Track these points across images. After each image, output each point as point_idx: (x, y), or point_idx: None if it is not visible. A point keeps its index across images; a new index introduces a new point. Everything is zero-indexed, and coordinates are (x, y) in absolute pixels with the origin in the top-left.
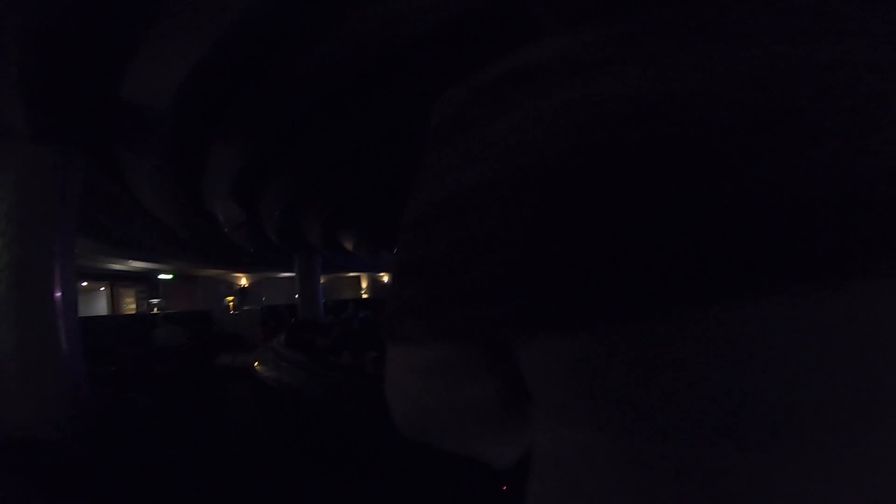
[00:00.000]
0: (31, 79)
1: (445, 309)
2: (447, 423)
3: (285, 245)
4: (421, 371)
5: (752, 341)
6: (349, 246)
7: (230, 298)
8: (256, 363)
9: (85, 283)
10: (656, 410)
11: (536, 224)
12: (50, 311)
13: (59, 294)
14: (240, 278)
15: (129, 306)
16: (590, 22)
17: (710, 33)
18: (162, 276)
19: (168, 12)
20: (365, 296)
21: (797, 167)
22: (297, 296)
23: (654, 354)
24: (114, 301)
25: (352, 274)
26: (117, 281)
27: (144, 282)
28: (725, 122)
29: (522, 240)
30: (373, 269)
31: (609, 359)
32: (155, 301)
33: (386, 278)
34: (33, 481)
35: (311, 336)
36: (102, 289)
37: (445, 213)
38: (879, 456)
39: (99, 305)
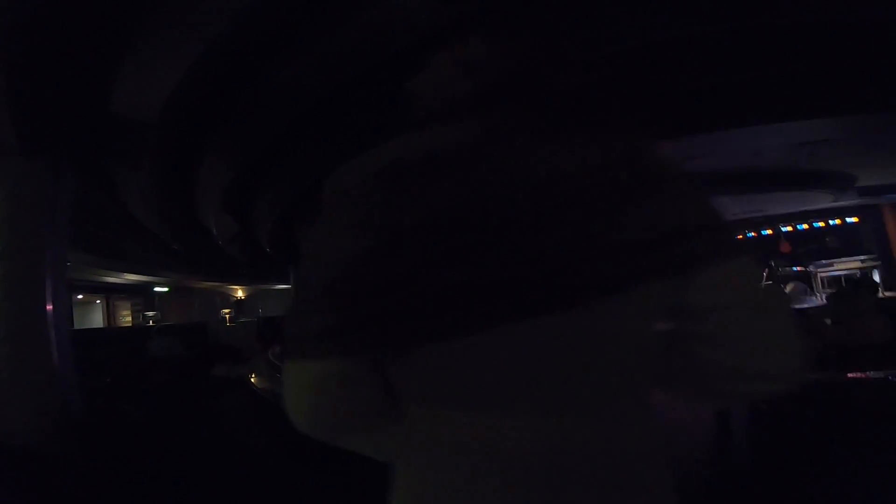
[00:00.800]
0: (19, 91)
1: (341, 336)
2: (338, 421)
3: (280, 256)
4: (317, 380)
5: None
6: None
7: (226, 311)
8: (252, 375)
9: (80, 296)
10: (470, 394)
11: (405, 284)
12: (41, 323)
13: (50, 307)
14: (236, 290)
15: (125, 319)
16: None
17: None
18: (157, 289)
19: (155, 23)
20: None
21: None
22: None
23: (455, 360)
24: (109, 314)
25: None
26: (113, 294)
27: (140, 294)
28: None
29: (397, 293)
30: None
31: (433, 365)
32: (150, 314)
33: None
34: (21, 491)
35: None
36: (98, 301)
37: (353, 264)
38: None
39: (94, 318)
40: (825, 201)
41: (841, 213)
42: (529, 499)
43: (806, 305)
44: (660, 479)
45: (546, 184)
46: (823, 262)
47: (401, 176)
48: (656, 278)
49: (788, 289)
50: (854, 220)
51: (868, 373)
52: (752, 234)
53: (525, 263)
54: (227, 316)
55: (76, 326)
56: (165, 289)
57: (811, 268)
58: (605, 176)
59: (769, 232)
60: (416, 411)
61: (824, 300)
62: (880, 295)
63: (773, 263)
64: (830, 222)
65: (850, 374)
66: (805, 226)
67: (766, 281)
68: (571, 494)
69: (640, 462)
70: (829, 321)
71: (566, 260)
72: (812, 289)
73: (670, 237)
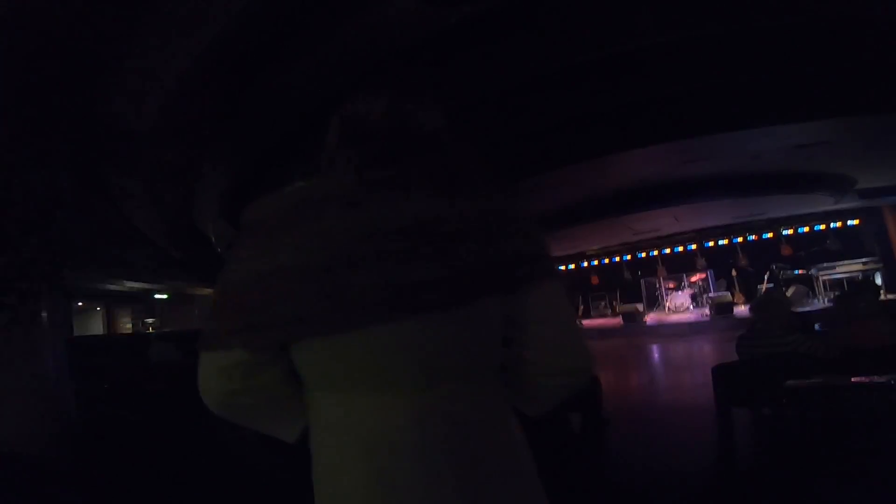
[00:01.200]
0: (10, 101)
1: (251, 331)
2: (247, 405)
3: None
4: (227, 367)
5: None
6: None
7: None
8: None
9: (80, 304)
10: (343, 378)
11: (303, 291)
12: (35, 329)
13: (45, 313)
14: None
15: (126, 326)
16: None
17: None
18: (157, 296)
19: (150, 28)
20: None
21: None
22: None
23: (338, 351)
24: (109, 321)
25: None
26: (113, 301)
27: (141, 301)
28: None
29: (297, 298)
30: None
31: (320, 352)
32: (150, 321)
33: None
34: (16, 499)
35: None
36: (98, 309)
37: (257, 279)
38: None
39: (94, 325)
40: (826, 204)
41: (842, 215)
42: (392, 465)
43: (808, 309)
44: (507, 454)
45: (407, 226)
46: (825, 265)
47: (293, 215)
48: (491, 295)
49: (790, 292)
50: (855, 222)
51: (872, 377)
52: (753, 237)
53: (383, 282)
54: None
55: (76, 333)
56: (165, 296)
57: (813, 271)
58: (455, 221)
59: (770, 235)
60: (312, 394)
61: (827, 303)
62: (882, 297)
63: (774, 267)
64: (831, 225)
65: (854, 379)
66: (806, 229)
67: (767, 284)
68: (423, 462)
69: (485, 437)
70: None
71: (419, 278)
72: (814, 292)
73: (501, 267)
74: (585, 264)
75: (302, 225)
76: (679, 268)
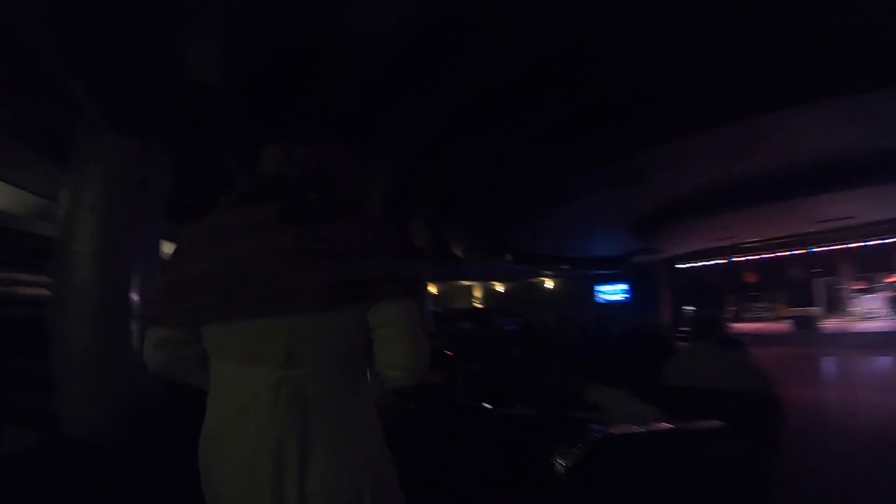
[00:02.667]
0: (103, 65)
1: (179, 314)
2: (175, 369)
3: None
4: (161, 341)
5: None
6: (459, 252)
7: None
8: None
9: None
10: (230, 352)
11: (210, 290)
12: (125, 309)
13: (136, 295)
14: None
15: None
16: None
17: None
18: None
19: None
20: (479, 306)
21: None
22: None
23: (230, 333)
24: None
25: (465, 283)
26: None
27: None
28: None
29: (206, 295)
30: (487, 277)
31: (218, 333)
32: None
33: (501, 288)
34: (94, 486)
35: None
36: None
37: (182, 280)
38: None
39: None
40: None
41: None
42: (249, 420)
43: None
44: (348, 424)
45: (283, 250)
46: None
47: (210, 235)
48: (342, 306)
49: None
50: None
51: None
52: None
53: (261, 289)
54: None
55: None
56: None
57: None
58: (320, 247)
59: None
60: (213, 363)
61: None
62: None
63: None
64: None
65: None
66: None
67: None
68: (272, 421)
69: (329, 409)
70: None
71: (285, 289)
72: None
73: (353, 284)
74: (739, 258)
75: (214, 243)
76: (871, 266)
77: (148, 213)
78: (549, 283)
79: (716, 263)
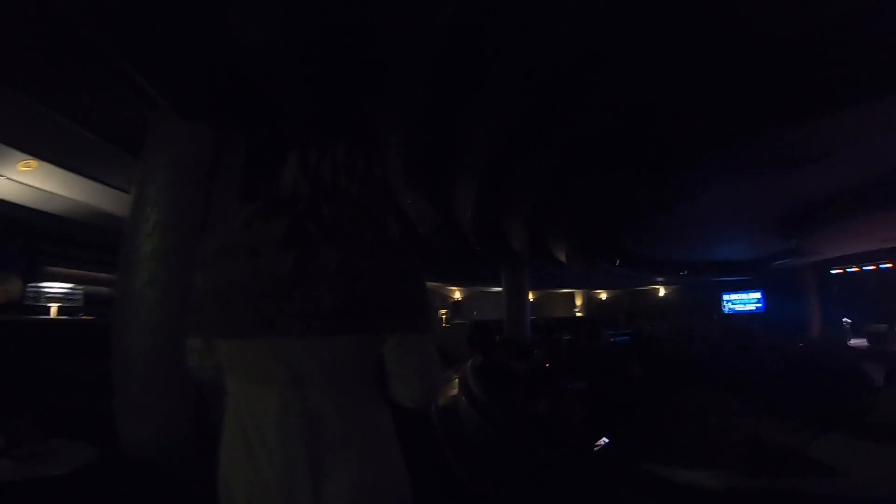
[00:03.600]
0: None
1: (197, 327)
2: (205, 377)
3: (488, 253)
4: (190, 349)
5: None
6: (561, 256)
7: (443, 311)
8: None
9: None
10: (240, 370)
11: (222, 308)
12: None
13: None
14: (454, 291)
15: None
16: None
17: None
18: None
19: None
20: (579, 314)
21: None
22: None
23: (245, 350)
24: None
25: (565, 290)
26: None
27: None
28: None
29: (219, 312)
30: (588, 285)
31: (229, 349)
32: None
33: (604, 295)
34: None
35: (508, 360)
36: None
37: (202, 296)
38: None
39: None
40: None
41: None
42: (258, 439)
43: None
44: (359, 445)
45: (289, 276)
46: None
47: (221, 251)
48: (354, 333)
49: None
50: None
51: None
52: None
53: (267, 311)
54: (444, 317)
55: None
56: None
57: None
58: (326, 275)
59: None
60: (227, 378)
61: None
62: None
63: None
64: None
65: None
66: None
67: None
68: (281, 440)
69: (339, 429)
70: None
71: (292, 312)
72: None
73: (363, 311)
74: None
75: (223, 261)
76: None
77: (219, 206)
78: (662, 292)
79: (881, 267)
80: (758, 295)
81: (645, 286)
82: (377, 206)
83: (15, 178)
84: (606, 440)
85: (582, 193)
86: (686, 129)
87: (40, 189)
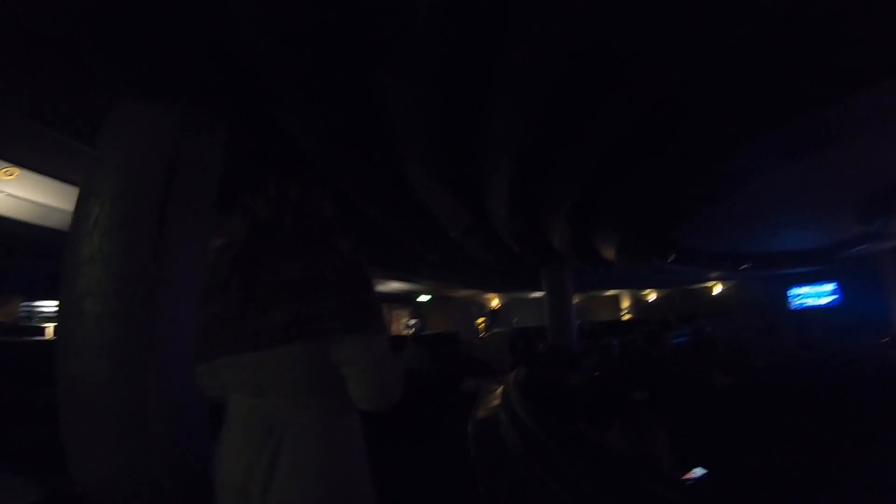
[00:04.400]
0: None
1: (199, 354)
2: (213, 395)
3: (527, 254)
4: (198, 371)
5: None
6: (608, 254)
7: (481, 320)
8: (479, 411)
9: None
10: (222, 383)
11: (202, 334)
12: (148, 339)
13: (169, 314)
14: (491, 299)
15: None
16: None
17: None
18: (420, 298)
19: None
20: (625, 317)
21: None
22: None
23: (215, 369)
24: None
25: (610, 292)
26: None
27: (409, 304)
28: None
29: (200, 337)
30: (635, 285)
31: (213, 368)
32: (412, 322)
33: (651, 296)
34: None
35: (558, 371)
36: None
37: (203, 326)
38: None
39: None
40: None
41: None
42: (232, 442)
43: None
44: (312, 448)
45: (246, 300)
46: None
47: (205, 289)
48: (304, 341)
49: None
50: None
51: None
52: None
53: (230, 332)
54: (482, 325)
55: None
56: (428, 297)
57: None
58: (279, 289)
59: None
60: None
61: None
62: None
63: None
64: None
65: None
66: None
67: None
68: (245, 442)
69: (293, 433)
70: None
71: (248, 329)
72: None
73: (312, 322)
74: None
75: (207, 302)
76: None
77: (189, 205)
78: (718, 288)
79: None
80: (831, 287)
81: (697, 283)
82: (315, 228)
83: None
84: (701, 471)
85: (631, 183)
86: (741, 105)
87: (34, 202)
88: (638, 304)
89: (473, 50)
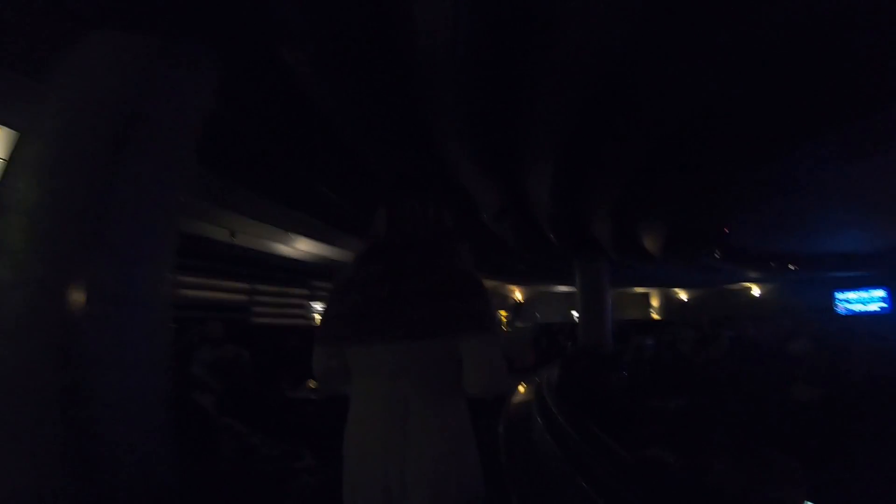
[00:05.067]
0: None
1: (332, 339)
2: (329, 377)
3: (564, 242)
4: (320, 354)
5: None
6: (652, 247)
7: (503, 314)
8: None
9: None
10: (358, 367)
11: (346, 322)
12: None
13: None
14: (514, 291)
15: None
16: None
17: None
18: None
19: None
20: (655, 317)
21: None
22: (575, 313)
23: (362, 354)
24: None
25: (639, 290)
26: None
27: None
28: None
29: (344, 326)
30: (665, 282)
31: (352, 354)
32: None
33: (684, 296)
34: None
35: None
36: None
37: (328, 315)
38: None
39: None
40: None
41: None
42: (368, 419)
43: None
44: (439, 428)
45: (394, 294)
46: None
47: (343, 285)
48: (438, 337)
49: None
50: None
51: None
52: None
53: (378, 323)
54: (504, 319)
55: None
56: None
57: None
58: (424, 292)
59: None
60: (353, 376)
61: None
62: None
63: None
64: None
65: None
66: None
67: None
68: (382, 422)
69: (424, 414)
70: None
71: (395, 323)
72: None
73: (447, 320)
74: None
75: (345, 292)
76: None
77: (153, 155)
78: (756, 291)
79: None
80: (882, 293)
81: (734, 284)
82: (448, 244)
83: None
84: None
85: (684, 174)
86: (800, 104)
87: None
88: (669, 303)
89: (519, 44)
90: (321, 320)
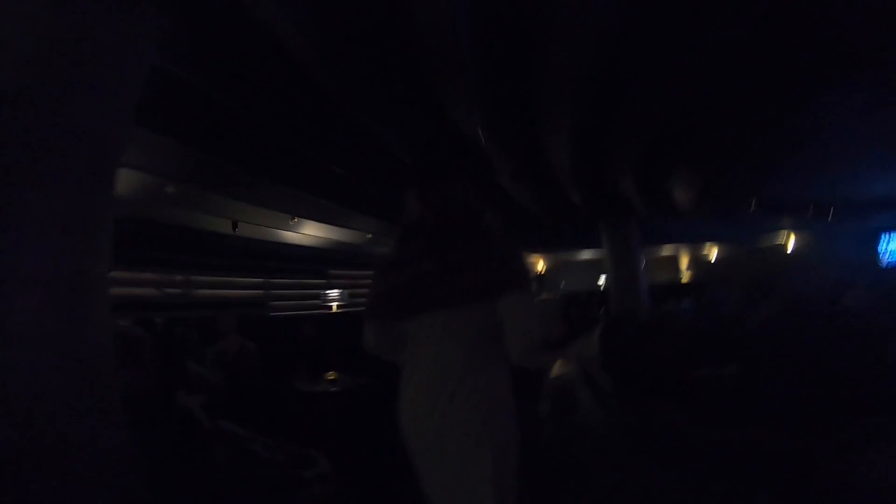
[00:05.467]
0: None
1: (377, 309)
2: (381, 347)
3: (588, 201)
4: (371, 328)
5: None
6: (683, 197)
7: None
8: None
9: None
10: (414, 335)
11: (398, 295)
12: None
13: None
14: (536, 260)
15: None
16: None
17: None
18: None
19: None
20: (684, 280)
21: None
22: (601, 280)
23: (415, 324)
24: None
25: (665, 252)
26: None
27: None
28: None
29: (396, 299)
30: (694, 240)
31: (407, 324)
32: None
33: (713, 253)
34: None
35: (643, 342)
36: None
37: (378, 290)
38: None
39: None
40: None
41: None
42: (423, 380)
43: None
44: (483, 383)
45: (438, 267)
46: None
47: (387, 265)
48: (480, 300)
49: None
50: None
51: None
52: None
53: (427, 292)
54: None
55: None
56: None
57: None
58: (464, 260)
59: None
60: (409, 342)
61: None
62: None
63: None
64: None
65: None
66: None
67: None
68: (434, 379)
69: (471, 371)
70: None
71: (442, 290)
72: None
73: (486, 282)
74: None
75: (391, 271)
76: None
77: (67, 118)
78: (791, 245)
79: None
80: None
81: (766, 241)
82: (479, 215)
83: None
84: None
85: (717, 120)
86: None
87: None
88: (698, 263)
89: None
90: (368, 300)
